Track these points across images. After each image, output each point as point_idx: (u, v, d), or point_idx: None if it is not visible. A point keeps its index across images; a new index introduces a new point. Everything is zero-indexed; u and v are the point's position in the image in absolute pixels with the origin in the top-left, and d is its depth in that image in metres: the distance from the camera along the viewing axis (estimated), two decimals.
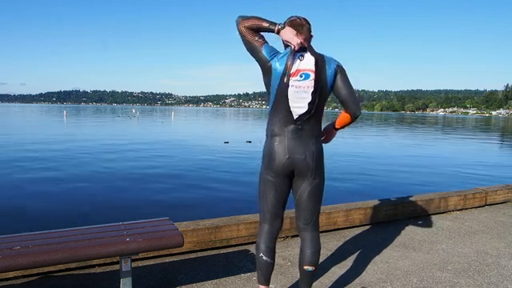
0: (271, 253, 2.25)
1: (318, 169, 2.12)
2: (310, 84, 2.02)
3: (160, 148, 14.66)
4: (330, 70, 2.06)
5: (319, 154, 2.12)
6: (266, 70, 2.07)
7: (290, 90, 2.02)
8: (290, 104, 2.04)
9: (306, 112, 2.04)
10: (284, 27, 2.01)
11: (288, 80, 2.01)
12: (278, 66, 2.03)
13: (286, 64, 2.02)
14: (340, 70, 2.09)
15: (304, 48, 2.05)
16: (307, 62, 2.03)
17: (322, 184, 2.19)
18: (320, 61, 2.04)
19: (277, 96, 2.06)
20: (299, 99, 2.03)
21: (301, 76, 2.02)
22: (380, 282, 2.79)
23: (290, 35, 1.99)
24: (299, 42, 1.99)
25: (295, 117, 2.05)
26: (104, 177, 8.71)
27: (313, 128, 2.10)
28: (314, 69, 2.02)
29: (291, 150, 2.07)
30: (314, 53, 2.05)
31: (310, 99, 2.03)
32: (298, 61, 2.03)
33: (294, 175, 2.14)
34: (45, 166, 9.96)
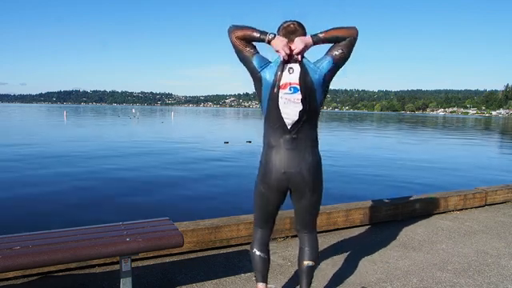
0: (265, 248, 2.26)
1: (316, 183, 2.09)
2: (299, 96, 1.99)
3: (160, 148, 14.65)
4: (316, 76, 2.01)
5: (315, 167, 2.08)
6: (256, 81, 2.06)
7: (281, 102, 2.00)
8: (283, 115, 2.02)
9: (298, 120, 2.02)
10: (275, 37, 1.97)
11: (278, 91, 1.99)
12: (267, 77, 2.02)
13: (276, 75, 2.00)
14: (329, 75, 2.04)
15: (295, 60, 2.01)
16: (296, 76, 1.99)
17: (321, 197, 2.18)
18: (303, 72, 1.99)
19: (269, 107, 2.05)
20: (290, 110, 2.01)
21: (290, 89, 1.99)
22: (380, 281, 2.79)
23: (280, 45, 1.95)
24: (289, 52, 1.96)
25: (289, 127, 2.03)
26: (104, 177, 8.70)
27: (308, 136, 2.07)
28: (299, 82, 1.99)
29: (287, 162, 2.03)
30: (300, 63, 2.00)
31: (300, 107, 2.00)
32: (288, 73, 2.00)
33: (291, 192, 2.12)
34: (45, 165, 9.96)
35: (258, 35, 2.00)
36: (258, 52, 2.07)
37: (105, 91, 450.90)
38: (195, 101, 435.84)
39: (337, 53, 2.02)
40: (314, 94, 2.01)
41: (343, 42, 2.01)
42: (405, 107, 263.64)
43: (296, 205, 2.18)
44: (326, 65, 2.02)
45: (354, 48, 2.04)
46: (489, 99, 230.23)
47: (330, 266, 3.04)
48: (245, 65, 2.08)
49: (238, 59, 2.10)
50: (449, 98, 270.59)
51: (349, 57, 2.05)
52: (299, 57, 1.99)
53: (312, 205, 2.15)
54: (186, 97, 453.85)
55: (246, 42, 2.04)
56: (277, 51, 1.98)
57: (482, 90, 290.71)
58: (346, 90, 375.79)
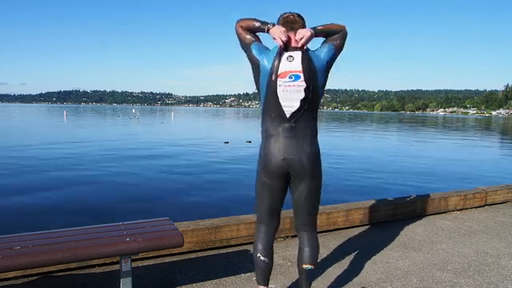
0: (268, 252, 2.24)
1: (315, 171, 2.11)
2: (300, 83, 2.01)
3: (160, 148, 14.66)
4: (319, 64, 2.06)
5: (315, 156, 2.10)
6: (255, 67, 2.11)
7: (279, 90, 2.03)
8: (281, 103, 2.04)
9: (299, 109, 2.04)
10: (273, 26, 2.06)
11: (276, 79, 2.03)
12: (266, 63, 2.06)
13: (274, 63, 2.04)
14: (330, 61, 2.10)
15: (294, 48, 2.04)
16: (296, 64, 2.02)
17: (320, 185, 2.18)
18: (306, 58, 2.03)
19: (267, 95, 2.07)
20: (290, 98, 2.03)
21: (290, 77, 2.02)
22: (380, 281, 2.79)
23: (277, 33, 2.03)
24: (285, 39, 2.02)
25: (288, 115, 2.05)
26: (104, 177, 8.71)
27: (307, 126, 2.09)
28: (301, 69, 2.02)
29: (286, 150, 2.05)
30: (302, 51, 2.04)
31: (303, 95, 2.02)
32: (287, 62, 2.02)
33: (291, 177, 2.12)
34: (45, 166, 9.96)
35: (259, 25, 2.10)
36: (258, 40, 2.14)
37: (105, 91, 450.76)
38: (195, 101, 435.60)
39: (335, 42, 2.12)
40: (316, 81, 2.05)
41: (337, 35, 2.13)
42: (405, 107, 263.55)
43: (295, 193, 2.16)
44: (327, 52, 2.09)
45: (346, 42, 2.16)
46: (489, 99, 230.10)
47: (330, 266, 3.04)
48: (245, 52, 2.15)
49: (241, 57, 2.15)
50: (449, 98, 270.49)
51: (343, 48, 2.16)
52: (304, 46, 2.05)
53: (311, 192, 2.13)
54: (186, 97, 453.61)
55: (248, 31, 2.14)
56: (274, 39, 2.05)
57: (482, 90, 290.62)
58: (345, 90, 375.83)
